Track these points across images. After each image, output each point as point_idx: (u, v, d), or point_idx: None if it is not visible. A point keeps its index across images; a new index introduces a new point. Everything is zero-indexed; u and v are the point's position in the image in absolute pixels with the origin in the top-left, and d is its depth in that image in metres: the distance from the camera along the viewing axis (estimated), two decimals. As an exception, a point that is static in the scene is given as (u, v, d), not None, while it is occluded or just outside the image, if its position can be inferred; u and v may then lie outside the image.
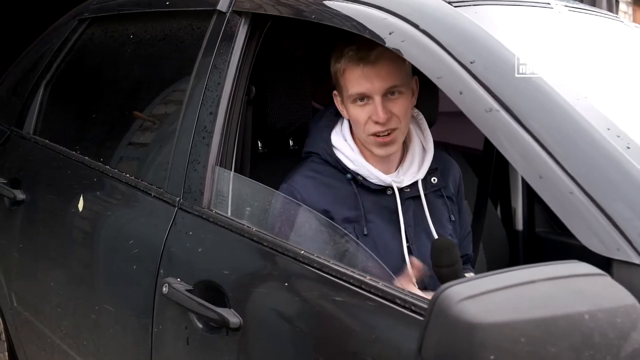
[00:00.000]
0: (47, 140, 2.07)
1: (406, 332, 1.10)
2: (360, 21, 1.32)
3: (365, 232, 1.58)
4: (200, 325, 1.38)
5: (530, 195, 2.61)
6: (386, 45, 1.26)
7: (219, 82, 1.55)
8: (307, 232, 1.39)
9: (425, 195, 1.67)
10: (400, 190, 1.63)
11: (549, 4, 1.43)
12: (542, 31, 1.36)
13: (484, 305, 0.75)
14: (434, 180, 1.70)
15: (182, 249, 1.49)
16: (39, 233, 1.99)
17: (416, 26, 1.24)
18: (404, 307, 1.09)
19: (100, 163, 1.82)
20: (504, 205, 2.64)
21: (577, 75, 1.20)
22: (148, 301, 1.52)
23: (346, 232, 1.35)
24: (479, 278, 0.79)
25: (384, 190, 1.63)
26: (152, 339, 1.51)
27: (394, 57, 1.56)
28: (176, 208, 1.54)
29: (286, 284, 1.27)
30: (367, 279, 1.16)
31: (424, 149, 1.71)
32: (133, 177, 1.70)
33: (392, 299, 1.11)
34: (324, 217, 1.40)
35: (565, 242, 2.50)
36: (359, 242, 1.34)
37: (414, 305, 1.08)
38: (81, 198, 1.80)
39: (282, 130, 1.92)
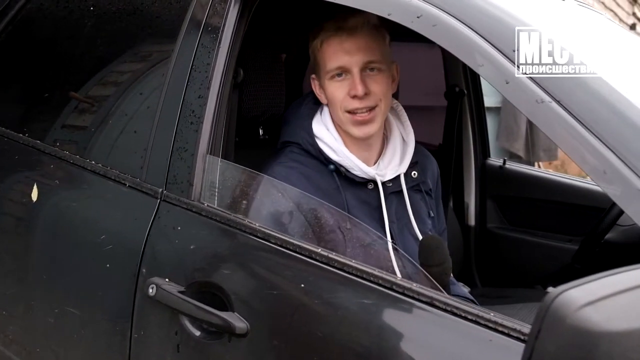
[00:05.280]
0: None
1: (443, 334, 1.04)
2: (383, 2, 1.23)
3: (349, 228, 1.50)
4: (195, 331, 1.25)
5: (483, 191, 2.65)
6: (413, 29, 1.18)
7: (209, 62, 1.41)
8: (323, 228, 1.30)
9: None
10: (383, 184, 1.57)
11: (561, -5, 1.41)
12: (567, 24, 1.34)
13: (605, 311, 0.69)
14: (414, 174, 1.66)
15: (170, 246, 1.34)
16: (-24, 226, 1.76)
17: (446, 11, 1.17)
18: (444, 310, 1.03)
19: (57, 148, 1.62)
20: (457, 201, 2.65)
21: (610, 69, 1.17)
22: (126, 303, 1.36)
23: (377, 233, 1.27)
24: (591, 281, 0.73)
25: (364, 184, 1.57)
26: (130, 345, 1.35)
27: (373, 32, 1.53)
28: (159, 200, 1.39)
29: (302, 285, 1.16)
30: (398, 279, 1.09)
31: (404, 141, 1.66)
32: (100, 165, 1.52)
33: (429, 301, 1.05)
34: (341, 211, 1.31)
35: (516, 238, 2.56)
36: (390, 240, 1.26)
37: (455, 307, 1.02)
38: (35, 187, 1.59)
39: (255, 118, 1.80)
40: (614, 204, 2.01)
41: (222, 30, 1.43)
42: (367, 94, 1.49)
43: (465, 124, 2.59)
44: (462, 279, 2.36)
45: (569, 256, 2.21)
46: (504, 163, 2.61)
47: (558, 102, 1.01)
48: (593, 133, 0.98)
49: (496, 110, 4.81)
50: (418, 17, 1.18)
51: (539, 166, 4.87)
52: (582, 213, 2.34)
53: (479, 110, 2.62)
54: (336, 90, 1.52)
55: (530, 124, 4.80)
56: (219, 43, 1.42)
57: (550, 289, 2.18)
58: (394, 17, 1.21)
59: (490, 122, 3.83)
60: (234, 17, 1.44)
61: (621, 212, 1.98)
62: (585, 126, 0.99)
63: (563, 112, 1.01)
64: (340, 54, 1.50)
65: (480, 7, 1.18)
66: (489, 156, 2.68)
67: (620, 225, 2.06)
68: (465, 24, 1.14)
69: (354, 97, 1.50)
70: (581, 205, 2.36)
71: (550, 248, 2.40)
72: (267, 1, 1.49)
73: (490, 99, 2.89)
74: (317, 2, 1.38)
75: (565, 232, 2.37)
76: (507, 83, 1.06)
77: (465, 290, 1.81)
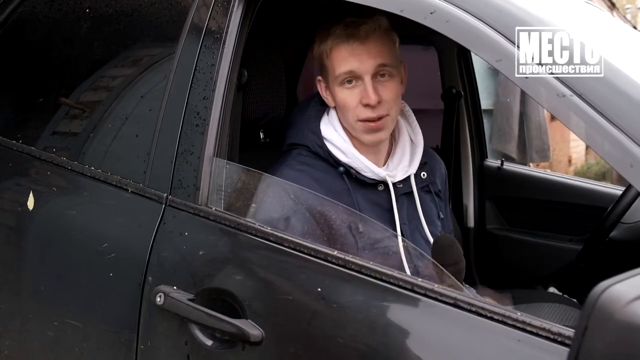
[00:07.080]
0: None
1: (470, 335, 1.01)
2: (396, -1, 1.21)
3: (361, 231, 1.48)
4: (207, 340, 1.20)
5: (481, 192, 2.63)
6: (427, 25, 1.15)
7: (213, 63, 1.38)
8: (337, 230, 1.26)
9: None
10: (393, 185, 1.55)
11: (568, -7, 1.40)
12: (579, 20, 1.33)
13: (655, 306, 0.66)
14: (424, 175, 1.65)
15: (177, 253, 1.30)
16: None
17: (459, 6, 1.14)
18: (469, 310, 1.00)
19: (53, 154, 1.57)
20: (456, 203, 2.63)
21: (628, 63, 1.16)
22: (131, 313, 1.31)
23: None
24: (636, 275, 0.70)
25: (374, 186, 1.54)
26: (136, 357, 1.30)
27: (384, 37, 1.50)
28: (164, 205, 1.34)
29: (319, 289, 1.12)
30: (419, 280, 1.06)
31: (412, 143, 1.64)
32: (100, 170, 1.47)
33: (453, 302, 1.02)
34: (355, 211, 1.28)
35: (516, 238, 2.54)
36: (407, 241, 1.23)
37: (481, 308, 1.00)
38: (31, 195, 1.54)
39: (257, 121, 1.77)
40: (617, 202, 2.01)
41: (226, 31, 1.39)
42: (379, 102, 1.47)
43: (463, 126, 2.57)
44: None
45: (570, 256, 2.20)
46: (502, 164, 2.60)
47: (579, 95, 0.99)
48: (617, 126, 0.96)
49: (488, 112, 4.82)
50: (431, 13, 1.15)
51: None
52: (582, 213, 2.33)
53: (476, 111, 2.61)
54: (347, 98, 1.49)
55: (522, 126, 4.82)
56: (223, 44, 1.38)
57: (552, 289, 2.15)
58: (406, 14, 1.18)
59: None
60: (238, 17, 1.40)
61: (625, 210, 1.97)
62: (609, 120, 0.97)
63: (586, 105, 0.99)
64: (350, 60, 1.47)
65: (494, 2, 1.15)
66: (487, 157, 2.67)
67: (624, 223, 2.05)
68: (480, 19, 1.12)
69: (366, 105, 1.47)
70: (580, 205, 2.36)
71: (550, 248, 2.39)
72: (270, 1, 1.46)
73: (482, 102, 2.89)
74: (324, 0, 1.35)
75: (565, 232, 2.36)
76: (526, 78, 1.04)
77: (473, 291, 1.78)
